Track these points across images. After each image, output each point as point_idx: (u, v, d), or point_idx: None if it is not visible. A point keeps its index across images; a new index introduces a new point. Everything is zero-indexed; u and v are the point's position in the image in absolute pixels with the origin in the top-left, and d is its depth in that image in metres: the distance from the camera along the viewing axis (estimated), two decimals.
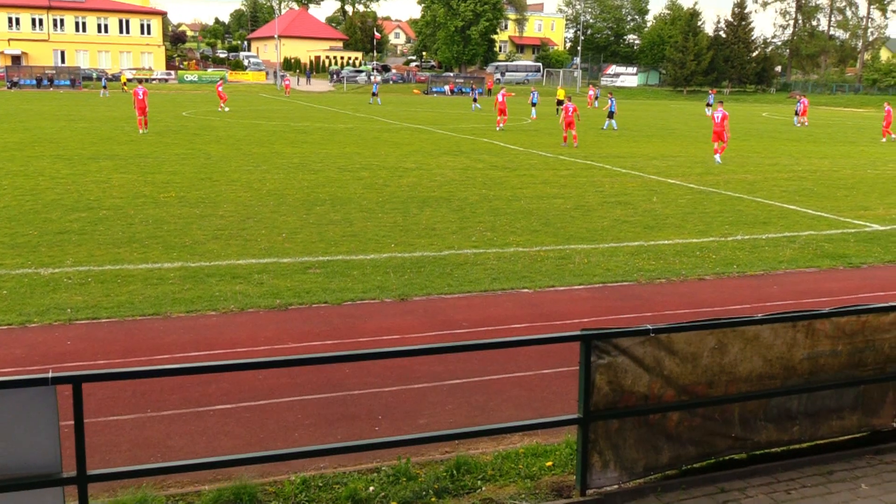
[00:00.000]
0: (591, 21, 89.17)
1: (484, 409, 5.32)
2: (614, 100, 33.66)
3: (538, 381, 5.82)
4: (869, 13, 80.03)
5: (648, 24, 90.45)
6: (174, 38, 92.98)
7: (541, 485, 4.15)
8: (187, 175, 15.51)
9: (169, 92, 55.82)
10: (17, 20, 69.16)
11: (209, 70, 72.85)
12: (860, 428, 4.56)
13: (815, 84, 78.50)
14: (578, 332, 3.88)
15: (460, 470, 4.26)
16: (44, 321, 6.70)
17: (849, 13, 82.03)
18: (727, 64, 75.73)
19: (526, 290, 8.12)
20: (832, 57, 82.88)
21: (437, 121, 33.96)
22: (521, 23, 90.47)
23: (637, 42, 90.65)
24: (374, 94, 49.45)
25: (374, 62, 79.86)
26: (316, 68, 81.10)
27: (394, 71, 78.13)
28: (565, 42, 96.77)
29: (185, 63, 78.72)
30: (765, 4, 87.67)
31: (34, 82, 58.11)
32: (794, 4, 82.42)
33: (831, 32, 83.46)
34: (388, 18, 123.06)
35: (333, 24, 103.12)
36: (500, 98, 29.93)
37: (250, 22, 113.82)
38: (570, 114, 23.77)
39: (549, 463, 4.38)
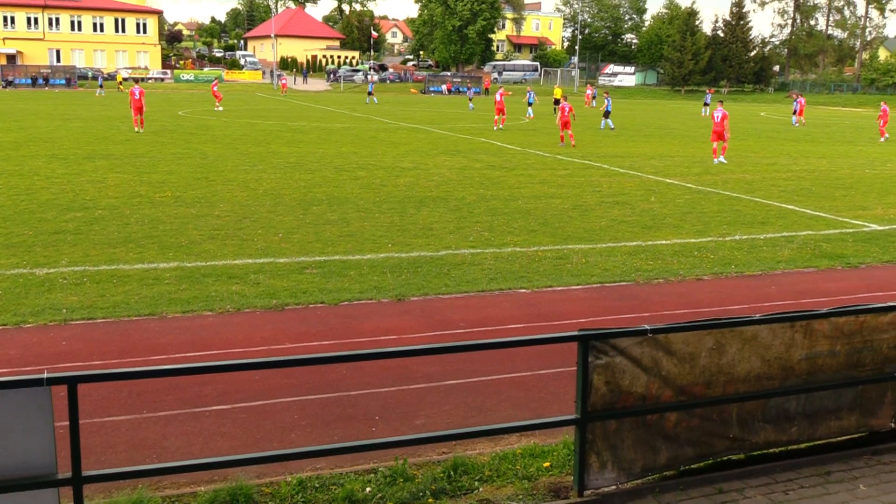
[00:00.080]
0: (588, 20, 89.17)
1: (481, 410, 5.30)
2: (610, 99, 33.68)
3: (535, 381, 5.81)
4: (867, 13, 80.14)
5: (646, 24, 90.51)
6: (170, 37, 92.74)
7: (538, 485, 4.14)
8: (183, 175, 15.47)
9: (165, 91, 55.70)
10: (12, 19, 68.90)
11: (205, 69, 72.66)
12: (858, 428, 4.56)
13: (814, 84, 78.50)
14: (576, 333, 3.87)
15: (457, 471, 4.25)
16: (39, 321, 6.67)
17: (847, 13, 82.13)
18: (725, 63, 75.72)
19: (523, 291, 8.11)
20: (830, 56, 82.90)
21: (435, 120, 33.94)
22: (518, 22, 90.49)
23: (635, 41, 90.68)
24: (369, 94, 49.40)
25: (371, 61, 79.78)
26: (313, 67, 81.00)
27: (391, 70, 78.06)
28: (563, 41, 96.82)
29: (182, 62, 78.54)
30: (763, 4, 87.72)
31: (29, 81, 57.91)
32: (792, 4, 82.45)
33: (829, 32, 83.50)
34: (385, 17, 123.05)
35: (330, 24, 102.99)
36: (498, 97, 29.93)
37: (247, 21, 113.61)
38: (566, 113, 23.79)
39: (547, 464, 4.37)
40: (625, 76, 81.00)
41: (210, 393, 5.39)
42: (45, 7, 69.17)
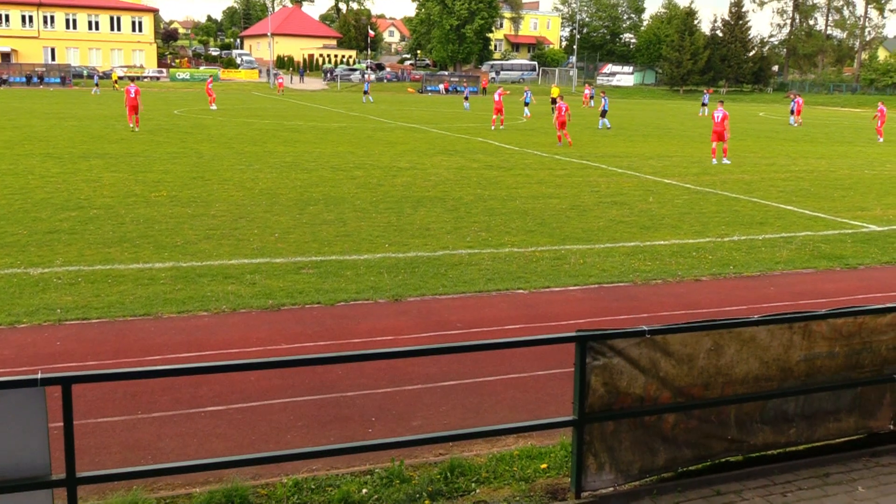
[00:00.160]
0: (587, 19, 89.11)
1: (478, 411, 5.29)
2: (607, 98, 33.71)
3: (533, 382, 5.79)
4: (866, 13, 79.98)
5: (645, 23, 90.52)
6: (166, 36, 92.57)
7: (535, 487, 4.13)
8: (179, 174, 15.42)
9: (160, 90, 55.55)
10: (7, 17, 68.65)
11: (201, 68, 72.53)
12: (857, 430, 4.55)
13: (813, 84, 78.42)
14: (574, 334, 3.86)
15: (454, 472, 4.23)
16: (33, 322, 6.64)
17: (846, 12, 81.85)
18: (724, 63, 75.66)
19: (521, 291, 8.09)
20: (829, 56, 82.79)
21: (432, 120, 33.92)
22: (516, 21, 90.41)
23: (633, 41, 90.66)
24: (365, 93, 49.33)
25: (369, 60, 79.70)
26: (309, 66, 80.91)
27: (388, 69, 77.99)
28: (561, 41, 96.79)
29: (177, 61, 78.38)
30: (762, 4, 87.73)
31: (24, 80, 57.73)
32: (791, 4, 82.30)
33: (828, 32, 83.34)
34: (382, 16, 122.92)
35: (327, 22, 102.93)
36: (497, 97, 29.92)
37: (243, 19, 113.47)
38: (562, 113, 23.81)
39: (544, 465, 4.36)
40: (623, 76, 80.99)
41: (205, 394, 5.37)
42: (39, 5, 68.96)
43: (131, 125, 24.44)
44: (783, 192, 15.58)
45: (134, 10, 72.89)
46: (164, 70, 68.67)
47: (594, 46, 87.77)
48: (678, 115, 45.20)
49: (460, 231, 10.81)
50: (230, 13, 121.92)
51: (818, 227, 12.00)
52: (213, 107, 36.21)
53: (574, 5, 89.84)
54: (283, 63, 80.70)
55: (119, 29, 72.24)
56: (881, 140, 29.59)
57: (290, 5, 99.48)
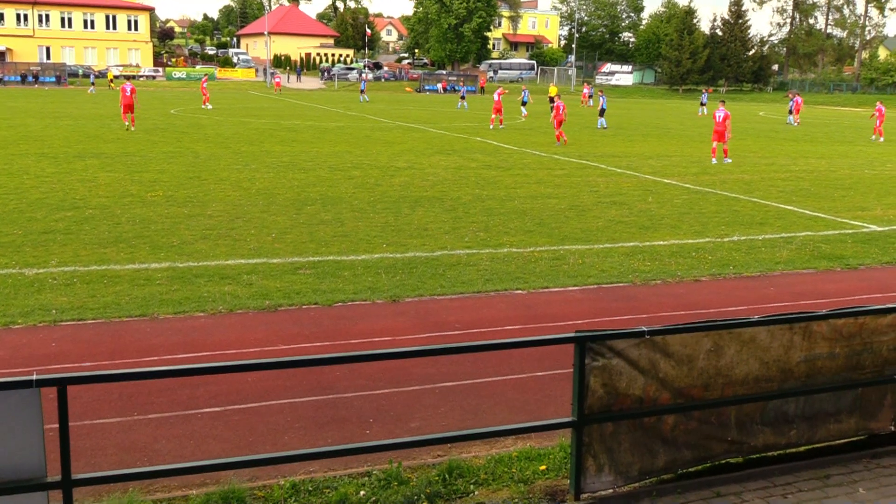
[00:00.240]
0: (585, 18, 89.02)
1: (477, 412, 5.27)
2: (605, 97, 33.71)
3: (532, 383, 5.77)
4: (867, 11, 79.82)
5: (644, 22, 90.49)
6: (162, 35, 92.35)
7: (534, 489, 4.11)
8: (175, 174, 15.37)
9: (157, 89, 55.46)
10: (1, 15, 68.42)
11: (198, 67, 72.31)
12: (858, 431, 4.54)
13: (813, 83, 78.34)
14: (573, 334, 3.85)
15: (453, 474, 4.22)
16: (28, 322, 6.60)
17: (846, 11, 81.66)
18: (723, 62, 75.57)
19: (519, 292, 8.06)
20: (829, 56, 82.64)
21: (430, 119, 33.88)
22: (514, 20, 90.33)
23: (632, 40, 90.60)
24: (361, 92, 49.23)
25: (366, 59, 79.62)
26: (306, 65, 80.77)
27: (385, 68, 77.91)
28: (560, 40, 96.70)
29: (173, 60, 78.18)
30: (761, 3, 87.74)
31: (19, 79, 57.54)
32: (790, 2, 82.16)
33: (829, 31, 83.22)
34: (379, 15, 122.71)
35: (324, 21, 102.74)
36: (496, 97, 29.89)
37: (239, 18, 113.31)
38: (560, 112, 23.81)
39: (543, 467, 4.34)
40: (622, 75, 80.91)
41: (202, 395, 5.34)
42: (34, 3, 68.71)
43: (126, 124, 24.38)
44: (783, 191, 15.57)
45: (130, 9, 72.64)
46: (160, 69, 68.49)
47: (593, 45, 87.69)
48: (677, 115, 45.23)
49: (458, 231, 10.78)
50: (227, 12, 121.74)
51: (818, 228, 11.99)
52: (208, 106, 36.13)
53: (573, 4, 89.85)
54: (280, 62, 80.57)
55: (115, 28, 72.01)
56: (882, 140, 29.60)
57: (286, 4, 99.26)
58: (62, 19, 70.06)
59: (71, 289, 7.53)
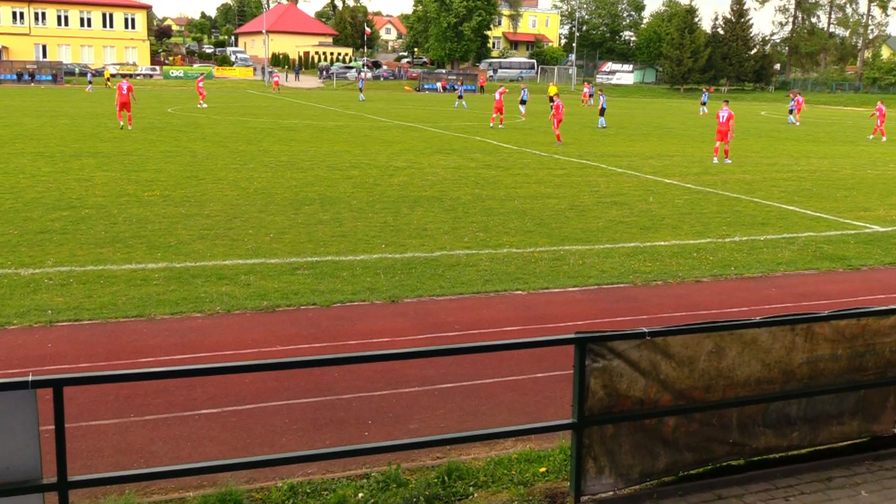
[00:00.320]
0: (586, 17, 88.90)
1: (476, 414, 5.24)
2: (604, 97, 33.70)
3: (531, 384, 5.74)
4: (869, 10, 79.49)
5: (645, 21, 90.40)
6: (159, 33, 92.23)
7: (534, 491, 4.09)
8: (172, 173, 15.32)
9: (154, 88, 55.41)
10: None
11: (195, 66, 72.17)
12: (860, 434, 4.51)
13: (815, 82, 78.09)
14: (573, 335, 3.83)
15: (452, 476, 4.20)
16: (24, 323, 6.57)
17: (849, 10, 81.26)
18: (725, 62, 75.33)
19: (519, 292, 8.03)
20: (832, 55, 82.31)
21: (429, 118, 33.85)
22: (514, 19, 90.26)
23: (633, 39, 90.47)
24: (360, 90, 49.16)
25: (365, 58, 79.53)
26: (305, 64, 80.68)
27: (384, 67, 77.84)
28: (560, 38, 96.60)
29: (171, 58, 78.03)
30: (763, 1, 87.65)
31: (14, 77, 57.39)
32: (793, 1, 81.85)
33: (831, 30, 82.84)
34: (378, 13, 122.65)
35: (323, 19, 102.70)
36: (498, 96, 29.89)
37: (237, 16, 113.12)
38: (559, 111, 23.80)
39: (543, 469, 4.32)
40: (623, 74, 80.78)
41: (199, 396, 5.32)
42: (31, 1, 68.49)
43: (121, 123, 24.25)
44: (785, 192, 15.54)
45: (126, 7, 72.42)
46: (158, 68, 68.37)
47: (594, 44, 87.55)
48: (679, 114, 45.21)
49: (458, 231, 10.75)
50: (224, 10, 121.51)
51: (820, 228, 11.96)
52: (203, 104, 36.05)
53: (573, 3, 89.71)
54: (279, 61, 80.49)
55: (111, 26, 71.82)
56: (884, 139, 29.60)
57: (285, 2, 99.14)
58: (58, 17, 69.84)
59: (67, 289, 7.49)
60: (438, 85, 65.17)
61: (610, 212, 12.63)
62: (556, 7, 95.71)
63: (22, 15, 68.73)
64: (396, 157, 19.28)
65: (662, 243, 10.47)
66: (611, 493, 4.02)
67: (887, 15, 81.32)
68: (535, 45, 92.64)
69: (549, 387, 5.67)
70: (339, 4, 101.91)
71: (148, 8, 76.88)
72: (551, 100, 24.96)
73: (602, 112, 31.56)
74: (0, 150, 18.18)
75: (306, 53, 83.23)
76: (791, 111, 39.59)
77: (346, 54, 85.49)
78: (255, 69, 73.81)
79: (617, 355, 3.86)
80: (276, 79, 58.28)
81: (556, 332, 6.66)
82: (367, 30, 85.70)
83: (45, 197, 12.34)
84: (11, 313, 6.75)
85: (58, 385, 3.16)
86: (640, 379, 3.92)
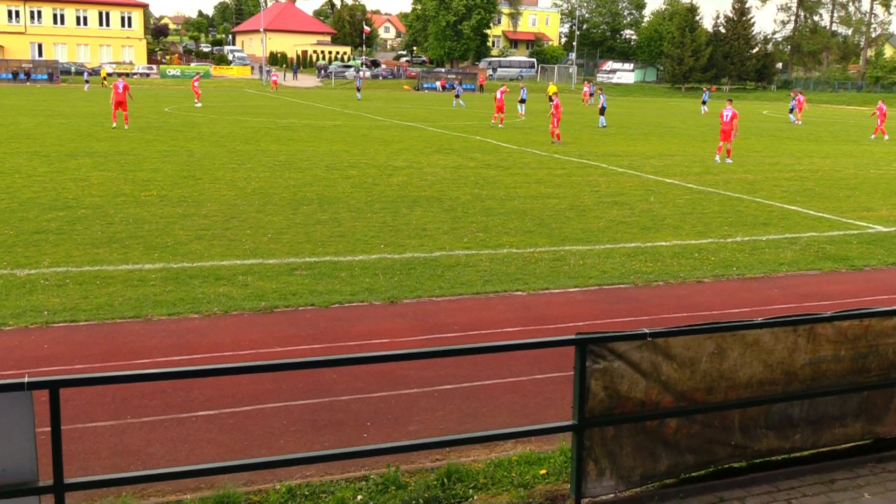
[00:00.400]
0: (586, 16, 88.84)
1: (476, 416, 5.22)
2: (604, 96, 33.68)
3: (532, 386, 5.72)
4: (872, 9, 79.17)
5: (646, 20, 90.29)
6: (156, 32, 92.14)
7: (534, 493, 4.08)
8: (169, 173, 15.28)
9: (151, 87, 55.30)
10: None
11: (192, 64, 72.05)
12: (864, 435, 4.49)
13: (817, 81, 77.84)
14: (573, 336, 3.81)
15: (451, 478, 4.18)
16: (19, 324, 6.53)
17: (851, 9, 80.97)
18: (727, 60, 75.11)
19: (519, 293, 8.00)
20: (834, 54, 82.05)
21: (428, 118, 33.82)
22: (514, 17, 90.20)
23: (634, 37, 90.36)
24: (358, 89, 49.13)
25: (363, 57, 79.45)
26: (303, 63, 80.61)
27: (383, 66, 77.79)
28: (560, 37, 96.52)
29: (168, 57, 77.88)
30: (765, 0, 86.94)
31: (10, 76, 57.27)
32: (795, 0, 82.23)
33: (833, 29, 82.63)
34: (377, 12, 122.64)
35: (321, 18, 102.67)
36: (499, 95, 29.89)
37: (235, 15, 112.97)
38: (558, 111, 23.80)
39: (543, 471, 4.30)
40: (624, 73, 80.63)
41: (196, 398, 5.29)
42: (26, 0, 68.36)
43: (114, 123, 24.10)
44: (787, 191, 15.50)
45: (123, 6, 72.20)
46: (154, 66, 68.24)
47: (594, 43, 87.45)
48: (680, 114, 45.19)
49: (457, 231, 10.71)
50: (222, 8, 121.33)
51: (823, 228, 11.92)
52: (198, 104, 35.96)
53: (573, 1, 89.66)
54: (276, 59, 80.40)
55: (108, 24, 71.62)
56: (886, 138, 29.58)
57: (283, 0, 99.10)
58: (54, 16, 69.61)
59: (63, 290, 7.45)
60: (438, 84, 65.11)
61: (611, 212, 12.60)
62: (556, 5, 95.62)
63: (17, 13, 68.51)
64: (395, 156, 19.25)
65: (664, 243, 10.44)
66: (612, 495, 4.00)
67: (890, 13, 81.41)
68: (535, 44, 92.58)
69: (549, 388, 5.65)
70: (338, 3, 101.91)
71: (145, 6, 76.73)
72: (550, 99, 24.96)
73: (602, 111, 31.53)
74: None
75: (304, 52, 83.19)
76: (792, 110, 39.58)
77: (345, 53, 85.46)
78: (252, 68, 73.72)
79: (618, 356, 3.83)
80: (274, 78, 58.21)
81: (556, 332, 6.65)
82: (366, 28, 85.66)
83: (40, 197, 12.29)
84: (7, 314, 6.71)
85: (54, 386, 3.14)
86: (642, 380, 3.89)
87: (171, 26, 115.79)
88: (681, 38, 73.96)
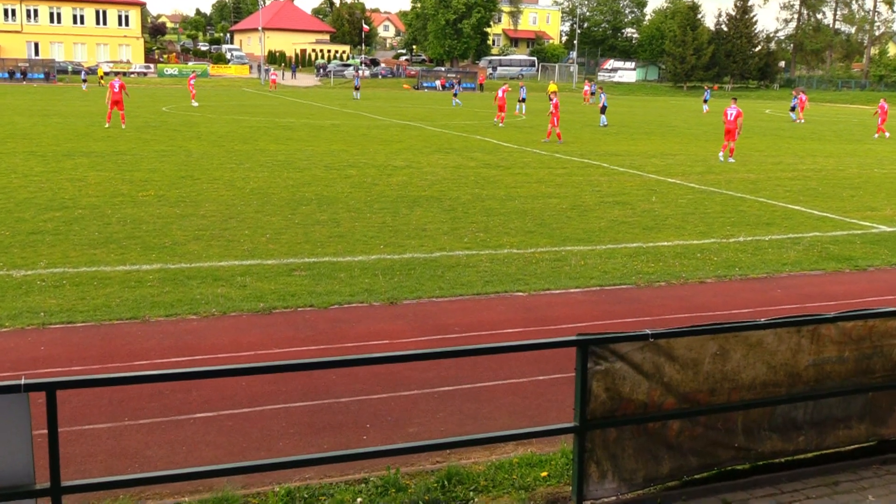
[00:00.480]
0: (587, 14, 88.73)
1: (476, 418, 5.19)
2: (605, 95, 33.66)
3: (532, 388, 5.69)
4: (875, 7, 78.83)
5: (647, 18, 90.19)
6: (153, 30, 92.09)
7: (535, 496, 4.06)
8: (167, 173, 15.24)
9: (148, 86, 55.30)
10: None
11: (190, 63, 71.94)
12: (868, 437, 4.46)
13: (820, 80, 77.48)
14: (575, 337, 3.78)
15: (452, 480, 4.16)
16: (16, 325, 6.50)
17: (855, 7, 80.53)
18: (729, 59, 74.92)
19: (520, 294, 7.97)
20: (837, 52, 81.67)
21: (428, 117, 33.79)
22: (515, 15, 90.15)
23: (635, 36, 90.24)
24: (356, 89, 49.15)
25: (362, 56, 79.40)
26: (302, 62, 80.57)
27: (383, 65, 77.76)
28: (561, 36, 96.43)
29: (165, 56, 77.78)
30: None
31: (6, 75, 57.19)
32: None
33: (837, 27, 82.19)
34: (376, 10, 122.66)
35: (320, 16, 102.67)
36: (500, 94, 29.88)
37: (233, 13, 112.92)
38: (557, 110, 23.79)
39: (545, 473, 4.28)
40: (625, 72, 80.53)
41: (194, 400, 5.27)
42: None
43: (108, 124, 23.98)
44: (790, 191, 15.46)
45: (120, 4, 71.99)
46: (152, 65, 68.13)
47: (595, 41, 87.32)
48: (682, 112, 45.16)
49: (457, 232, 10.68)
50: (220, 7, 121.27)
51: (826, 228, 11.88)
52: (195, 104, 35.90)
53: None
54: (275, 58, 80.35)
55: (105, 23, 71.43)
56: (888, 136, 29.56)
57: None
58: (51, 14, 69.40)
59: (60, 291, 7.42)
60: (437, 83, 65.11)
61: (612, 212, 12.57)
62: (556, 4, 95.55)
63: (14, 12, 68.31)
64: (395, 156, 19.21)
65: (665, 243, 10.41)
66: (614, 497, 3.97)
67: (894, 11, 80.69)
68: (535, 43, 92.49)
69: (550, 390, 5.62)
70: (337, 1, 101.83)
71: (142, 5, 76.61)
72: (550, 98, 24.97)
73: (603, 110, 31.50)
74: None
75: (303, 51, 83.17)
76: (793, 108, 39.55)
77: (344, 52, 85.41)
78: (251, 67, 73.70)
79: (619, 358, 3.81)
80: (272, 77, 58.16)
81: (557, 333, 6.63)
82: (365, 27, 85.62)
83: (37, 197, 12.25)
84: (3, 315, 6.67)
85: (51, 388, 3.12)
86: (644, 382, 3.87)
87: (169, 25, 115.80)
88: (682, 36, 73.87)
